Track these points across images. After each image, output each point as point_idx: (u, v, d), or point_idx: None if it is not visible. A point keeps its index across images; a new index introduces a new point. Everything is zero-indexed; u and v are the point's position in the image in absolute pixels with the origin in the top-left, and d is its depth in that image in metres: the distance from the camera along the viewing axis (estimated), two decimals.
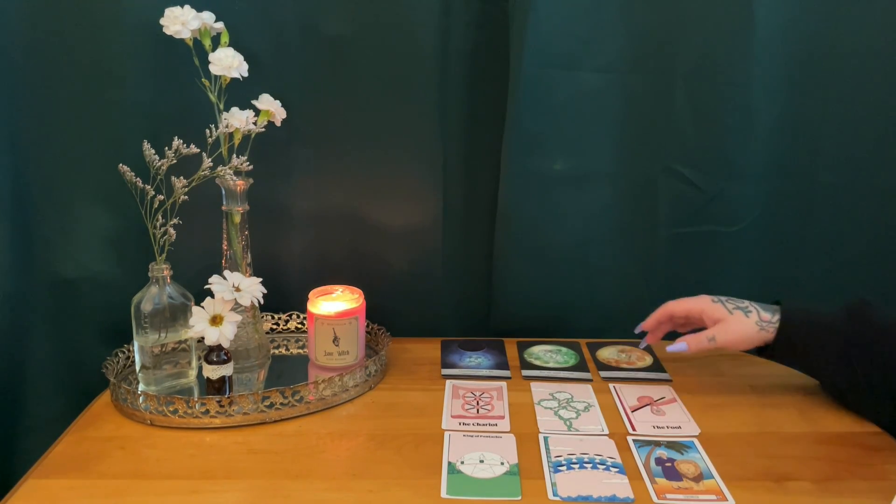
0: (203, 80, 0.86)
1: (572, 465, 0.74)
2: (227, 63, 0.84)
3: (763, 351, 0.87)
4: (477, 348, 1.03)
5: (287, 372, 0.96)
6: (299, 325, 1.06)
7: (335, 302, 0.95)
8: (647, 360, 1.00)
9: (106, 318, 0.98)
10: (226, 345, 0.84)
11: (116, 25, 0.90)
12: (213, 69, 0.84)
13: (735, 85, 0.97)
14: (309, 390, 0.85)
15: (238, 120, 0.85)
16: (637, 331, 0.95)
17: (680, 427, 0.82)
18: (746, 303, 0.87)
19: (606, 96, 0.98)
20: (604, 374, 0.96)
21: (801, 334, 0.84)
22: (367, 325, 1.01)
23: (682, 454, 0.77)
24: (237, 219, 0.91)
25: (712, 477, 0.73)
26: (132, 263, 0.92)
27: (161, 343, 0.87)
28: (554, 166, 1.00)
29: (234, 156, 0.85)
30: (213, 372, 0.85)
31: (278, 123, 0.90)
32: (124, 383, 0.85)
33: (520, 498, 0.70)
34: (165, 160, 0.83)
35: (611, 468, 0.74)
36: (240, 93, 0.87)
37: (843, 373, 0.83)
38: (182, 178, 0.83)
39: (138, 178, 0.84)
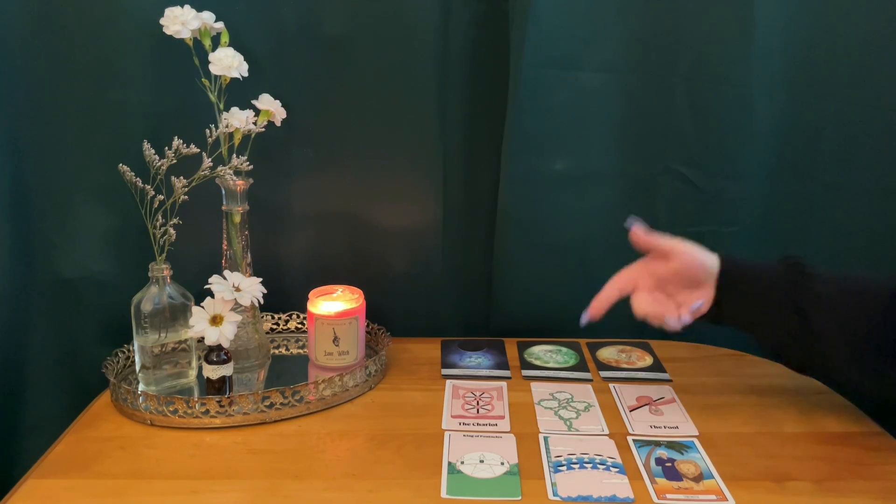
0: (203, 80, 0.86)
1: (572, 465, 0.74)
2: (227, 63, 0.85)
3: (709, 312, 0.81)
4: (477, 348, 1.03)
5: (287, 372, 0.96)
6: (299, 325, 1.06)
7: (335, 302, 0.95)
8: (647, 360, 1.00)
9: (106, 318, 0.98)
10: (226, 345, 0.84)
11: (116, 25, 0.90)
12: (213, 69, 0.84)
13: (735, 85, 0.97)
14: (309, 390, 0.85)
15: (238, 120, 0.85)
16: (584, 322, 0.82)
17: (677, 427, 0.82)
18: None
19: (606, 96, 0.98)
20: (604, 374, 0.96)
21: (745, 279, 0.80)
22: (367, 325, 1.01)
23: (683, 454, 0.77)
24: (237, 219, 0.91)
25: (712, 477, 0.73)
26: (132, 263, 0.92)
27: (161, 343, 0.87)
28: (554, 166, 1.00)
29: (234, 156, 0.85)
30: (213, 372, 0.85)
31: (278, 123, 0.90)
32: (124, 383, 0.85)
33: (520, 498, 0.70)
34: (165, 160, 0.83)
35: (611, 468, 0.74)
36: (240, 93, 0.87)
37: (792, 322, 0.77)
38: (182, 178, 0.83)
39: (138, 178, 0.84)
